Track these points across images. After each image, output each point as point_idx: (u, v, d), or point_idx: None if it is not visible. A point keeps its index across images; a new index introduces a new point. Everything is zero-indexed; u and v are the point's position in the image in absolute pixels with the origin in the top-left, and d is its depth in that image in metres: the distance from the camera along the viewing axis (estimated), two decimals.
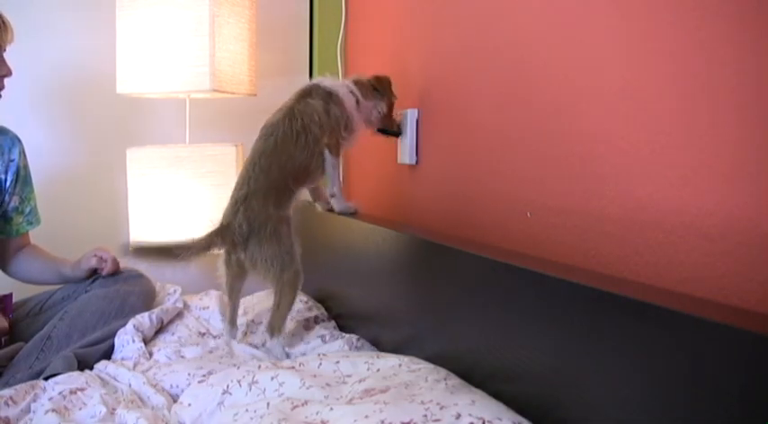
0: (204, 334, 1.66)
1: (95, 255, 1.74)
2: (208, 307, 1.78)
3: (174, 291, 1.83)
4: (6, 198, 1.73)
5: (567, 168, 1.13)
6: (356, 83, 1.61)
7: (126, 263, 1.81)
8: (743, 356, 0.61)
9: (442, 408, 0.89)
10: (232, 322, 1.59)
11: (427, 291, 1.25)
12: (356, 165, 2.22)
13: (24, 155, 1.75)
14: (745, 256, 0.80)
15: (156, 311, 1.65)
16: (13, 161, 1.71)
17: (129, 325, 1.56)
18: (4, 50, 1.61)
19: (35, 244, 1.84)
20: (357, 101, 1.58)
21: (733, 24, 0.82)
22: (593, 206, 1.07)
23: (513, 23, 1.31)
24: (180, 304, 1.77)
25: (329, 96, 1.54)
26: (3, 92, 1.63)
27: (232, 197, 1.48)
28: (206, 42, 1.92)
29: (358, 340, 1.48)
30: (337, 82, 1.60)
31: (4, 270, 1.80)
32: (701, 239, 0.86)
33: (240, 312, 1.78)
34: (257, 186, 1.45)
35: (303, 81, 2.43)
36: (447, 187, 1.57)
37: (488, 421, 0.84)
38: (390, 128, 1.68)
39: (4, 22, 1.59)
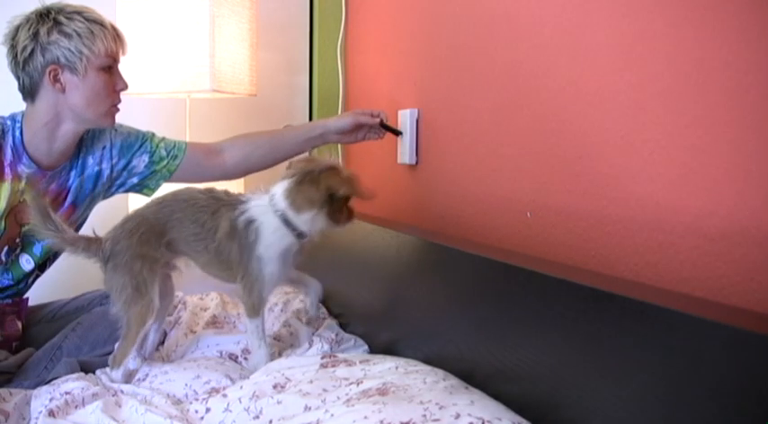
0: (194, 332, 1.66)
1: (370, 113, 1.67)
2: (207, 308, 1.79)
3: (179, 302, 1.83)
4: (121, 179, 1.68)
5: (567, 168, 1.13)
6: (288, 193, 1.32)
7: None
8: (743, 356, 0.61)
9: (441, 408, 0.89)
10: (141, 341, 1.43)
11: (427, 291, 1.25)
12: (356, 165, 2.22)
13: (111, 133, 1.65)
14: (745, 256, 0.80)
15: (158, 322, 1.65)
16: (105, 147, 1.65)
17: None
18: (119, 63, 1.57)
19: (226, 140, 1.76)
20: (286, 222, 1.33)
21: (733, 24, 0.82)
22: (593, 206, 1.07)
23: (512, 23, 1.31)
24: (182, 314, 1.77)
25: (241, 233, 1.33)
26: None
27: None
28: (206, 42, 1.92)
29: (337, 335, 1.47)
30: (265, 204, 1.34)
31: (224, 176, 1.75)
32: (701, 239, 0.86)
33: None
34: (142, 212, 1.40)
35: (303, 81, 2.45)
36: (447, 187, 1.57)
37: (488, 421, 0.84)
38: (344, 224, 1.37)
39: (118, 35, 1.55)
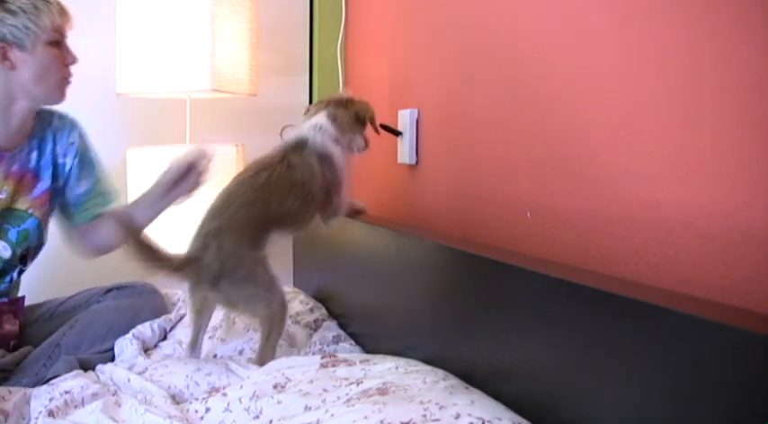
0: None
1: (187, 162, 1.62)
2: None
3: (179, 300, 1.83)
4: (71, 183, 1.69)
5: (567, 168, 1.13)
6: (333, 118, 1.49)
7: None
8: (743, 356, 0.61)
9: (441, 408, 0.89)
10: (193, 345, 1.48)
11: (427, 291, 1.25)
12: (356, 165, 2.21)
13: (84, 138, 1.71)
14: (745, 256, 0.80)
15: (158, 321, 1.65)
16: (72, 144, 1.68)
17: (129, 334, 1.57)
18: (66, 38, 1.59)
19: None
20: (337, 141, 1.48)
21: (733, 23, 0.82)
22: (593, 206, 1.07)
23: (512, 23, 1.31)
24: (183, 311, 1.77)
25: (323, 157, 1.45)
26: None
27: (203, 226, 1.37)
28: (206, 42, 1.92)
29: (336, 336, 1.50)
30: (316, 131, 1.46)
31: (87, 254, 1.75)
32: (701, 239, 0.86)
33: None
34: (234, 220, 1.35)
35: (303, 81, 2.45)
36: (447, 187, 1.57)
37: (488, 421, 0.84)
38: (365, 150, 1.57)
39: (63, 10, 1.56)
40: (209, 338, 1.56)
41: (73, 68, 1.60)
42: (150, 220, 1.67)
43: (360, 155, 1.55)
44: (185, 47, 1.93)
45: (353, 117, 1.49)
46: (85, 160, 1.70)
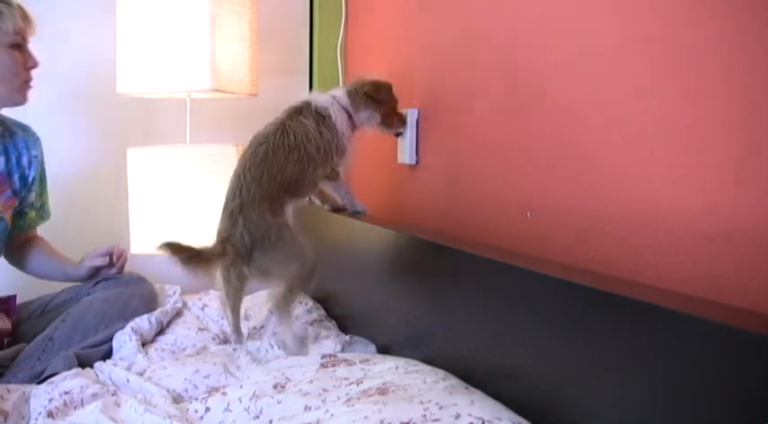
0: (203, 330, 1.66)
1: (104, 254, 1.76)
2: (207, 305, 1.79)
3: (174, 292, 1.83)
4: (30, 194, 1.75)
5: (567, 168, 1.13)
6: (349, 94, 1.57)
7: (129, 266, 1.83)
8: (743, 356, 0.61)
9: (441, 408, 0.89)
10: (237, 330, 1.56)
11: (427, 291, 1.24)
12: (356, 165, 2.21)
13: (43, 153, 1.78)
14: (745, 256, 0.80)
15: (155, 313, 1.65)
16: (36, 157, 1.73)
17: (127, 328, 1.57)
18: (28, 42, 1.62)
19: (41, 237, 1.85)
20: (349, 116, 1.55)
21: (733, 24, 0.82)
22: (593, 206, 1.07)
23: (513, 24, 1.31)
24: (179, 304, 1.77)
25: (321, 117, 1.51)
26: (32, 84, 1.65)
27: (225, 208, 1.44)
28: (206, 42, 1.91)
29: (351, 337, 1.49)
30: (328, 98, 1.55)
31: (8, 259, 1.81)
32: (701, 239, 0.86)
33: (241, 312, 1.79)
34: (251, 196, 1.41)
35: (303, 81, 2.45)
36: (447, 187, 1.57)
37: (488, 421, 0.84)
38: (396, 129, 1.68)
39: (26, 15, 1.60)
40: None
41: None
42: (48, 276, 1.81)
43: (379, 129, 1.63)
44: (185, 47, 1.92)
45: (364, 94, 1.57)
46: (43, 174, 1.78)
